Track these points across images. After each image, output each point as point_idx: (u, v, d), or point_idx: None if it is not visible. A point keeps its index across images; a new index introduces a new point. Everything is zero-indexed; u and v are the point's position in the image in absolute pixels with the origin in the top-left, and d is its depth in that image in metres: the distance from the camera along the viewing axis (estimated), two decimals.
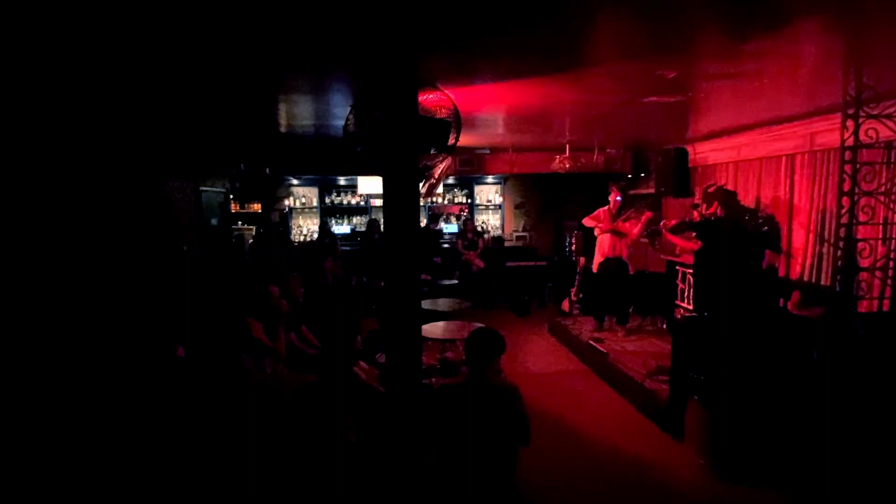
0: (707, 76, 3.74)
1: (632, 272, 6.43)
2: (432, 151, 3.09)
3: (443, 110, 3.33)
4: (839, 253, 4.19)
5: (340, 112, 5.16)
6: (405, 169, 2.94)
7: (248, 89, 4.22)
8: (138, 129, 5.49)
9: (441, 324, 4.85)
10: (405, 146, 2.86)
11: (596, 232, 6.56)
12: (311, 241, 9.66)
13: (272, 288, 3.96)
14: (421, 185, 6.57)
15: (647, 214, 6.34)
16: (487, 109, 4.91)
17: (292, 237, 9.90)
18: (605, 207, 6.48)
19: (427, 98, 3.43)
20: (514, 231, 10.43)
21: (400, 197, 2.87)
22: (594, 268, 6.57)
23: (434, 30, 2.82)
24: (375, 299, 5.81)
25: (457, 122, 3.20)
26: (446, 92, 3.51)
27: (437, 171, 6.31)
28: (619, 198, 6.37)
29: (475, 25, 2.72)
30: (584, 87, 4.06)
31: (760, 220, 5.69)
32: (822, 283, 5.28)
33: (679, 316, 6.23)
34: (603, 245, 6.47)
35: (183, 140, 6.73)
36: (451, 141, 3.02)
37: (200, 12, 2.39)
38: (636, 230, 6.31)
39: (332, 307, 4.17)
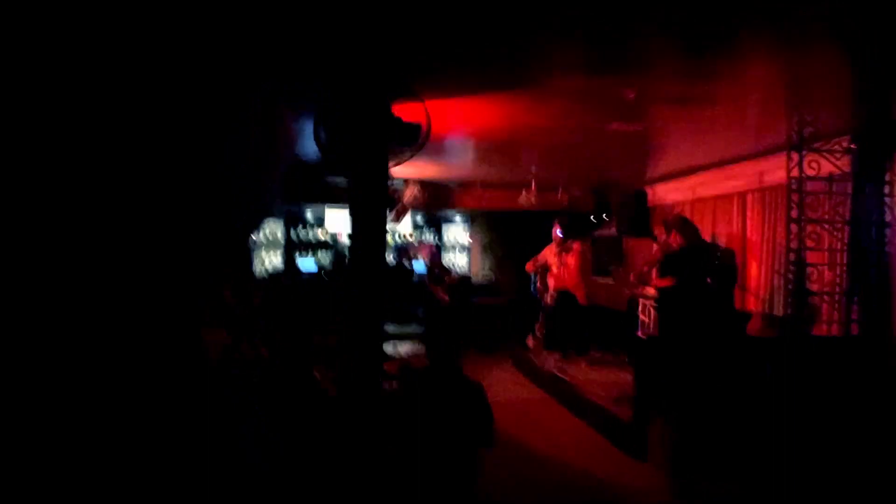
0: (664, 98, 3.98)
1: (583, 303, 6.62)
2: (400, 148, 3.14)
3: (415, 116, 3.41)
4: (790, 277, 4.37)
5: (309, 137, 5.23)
6: (374, 169, 2.98)
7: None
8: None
9: (404, 343, 4.76)
10: (376, 146, 2.91)
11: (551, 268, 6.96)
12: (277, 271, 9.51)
13: (225, 292, 3.84)
14: (389, 211, 6.61)
15: (577, 246, 6.86)
16: (455, 131, 5.05)
17: (256, 271, 9.69)
18: (551, 244, 6.94)
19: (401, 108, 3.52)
20: (481, 270, 10.48)
21: (367, 197, 2.89)
22: (548, 300, 6.86)
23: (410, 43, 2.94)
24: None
25: (427, 126, 3.28)
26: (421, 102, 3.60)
27: (406, 197, 6.39)
28: (559, 231, 6.86)
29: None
30: (548, 109, 4.25)
31: (719, 254, 5.87)
32: (776, 312, 5.45)
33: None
34: (549, 279, 6.92)
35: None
36: (420, 139, 3.08)
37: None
38: (572, 261, 6.73)
39: (291, 313, 4.07)
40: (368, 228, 2.61)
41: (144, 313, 2.26)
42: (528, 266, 7.10)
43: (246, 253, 9.54)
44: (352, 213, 2.63)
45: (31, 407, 2.00)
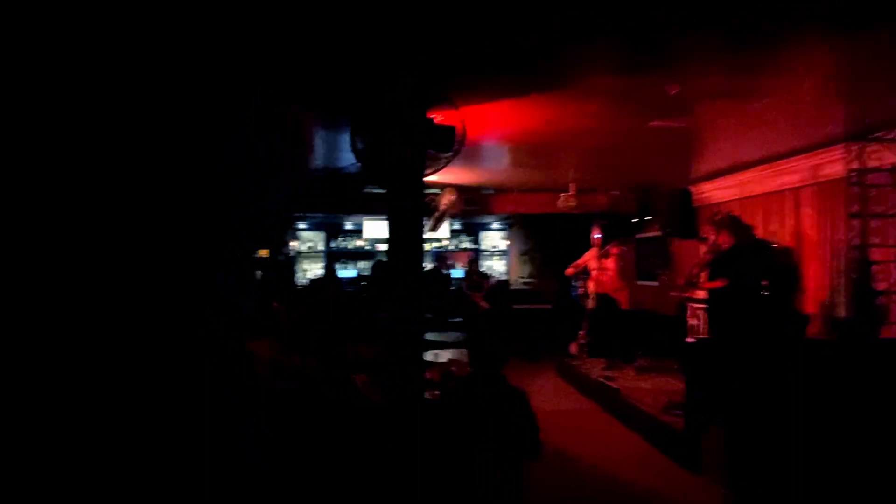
0: (709, 93, 3.81)
1: (626, 307, 6.44)
2: (434, 153, 3.11)
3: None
4: (853, 276, 4.10)
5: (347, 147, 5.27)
6: (411, 177, 2.95)
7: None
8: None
9: (445, 351, 4.72)
10: (412, 154, 2.88)
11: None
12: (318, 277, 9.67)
13: (274, 304, 3.89)
14: (427, 218, 6.61)
15: (615, 250, 6.64)
16: (492, 136, 4.99)
17: (297, 280, 9.87)
18: (592, 249, 6.78)
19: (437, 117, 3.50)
20: (520, 277, 10.36)
21: (404, 205, 2.87)
22: (590, 305, 6.76)
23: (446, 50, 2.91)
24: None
25: (462, 131, 3.24)
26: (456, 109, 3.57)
27: (443, 205, 6.37)
28: (597, 235, 6.67)
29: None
30: (586, 109, 4.14)
31: (774, 252, 5.58)
32: (839, 315, 5.12)
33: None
34: (590, 284, 6.78)
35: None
36: (455, 145, 3.04)
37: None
38: (611, 265, 6.57)
39: (332, 323, 4.08)
40: (406, 236, 2.58)
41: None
42: (569, 270, 6.95)
43: (288, 263, 9.74)
44: (389, 221, 2.61)
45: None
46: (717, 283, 5.12)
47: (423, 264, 10.78)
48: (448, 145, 3.04)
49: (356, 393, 3.09)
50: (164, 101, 2.20)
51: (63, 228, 2.01)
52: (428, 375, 3.60)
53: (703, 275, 5.31)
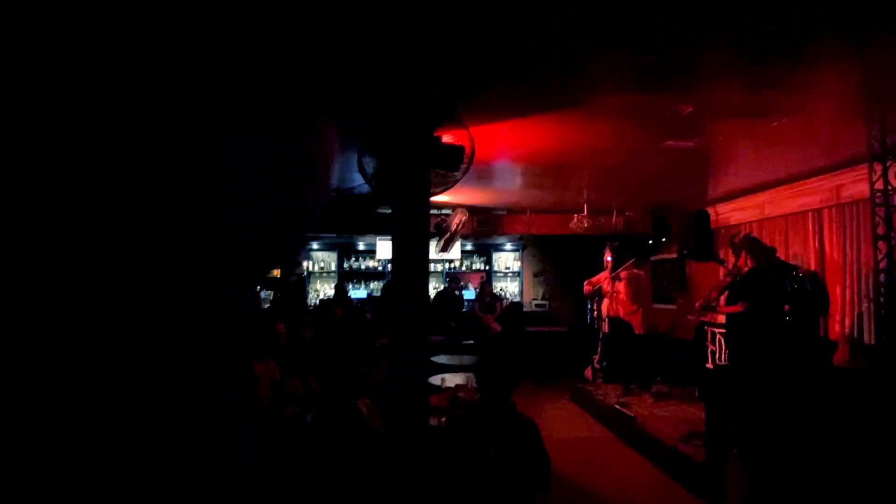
0: (723, 111, 3.71)
1: (640, 332, 6.29)
2: (443, 172, 3.05)
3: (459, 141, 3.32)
4: (881, 300, 3.91)
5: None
6: (416, 195, 2.89)
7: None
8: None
9: (455, 375, 4.58)
10: (417, 171, 2.82)
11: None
12: (328, 297, 9.62)
13: (279, 326, 3.82)
14: (438, 239, 6.54)
15: (625, 273, 6.51)
16: (502, 156, 4.94)
17: (309, 300, 9.83)
18: (606, 270, 6.68)
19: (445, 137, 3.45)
20: (534, 299, 10.20)
21: (409, 224, 2.80)
22: (605, 329, 6.64)
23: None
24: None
25: (471, 150, 3.18)
26: (465, 128, 3.53)
27: (454, 225, 6.30)
28: (609, 257, 6.60)
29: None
30: (599, 129, 4.07)
31: (801, 276, 5.38)
32: (865, 341, 4.90)
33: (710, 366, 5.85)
34: (602, 307, 6.69)
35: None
36: (464, 164, 2.98)
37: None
38: (622, 289, 6.46)
39: (339, 344, 4.00)
40: (411, 255, 2.51)
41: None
42: (586, 286, 6.82)
43: (300, 285, 9.72)
44: (394, 241, 2.55)
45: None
46: (737, 308, 4.93)
47: (432, 285, 10.62)
48: (456, 164, 2.98)
49: (358, 418, 2.99)
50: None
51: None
52: (435, 401, 3.48)
53: (722, 298, 5.13)
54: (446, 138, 3.40)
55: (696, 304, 5.81)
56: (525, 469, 2.44)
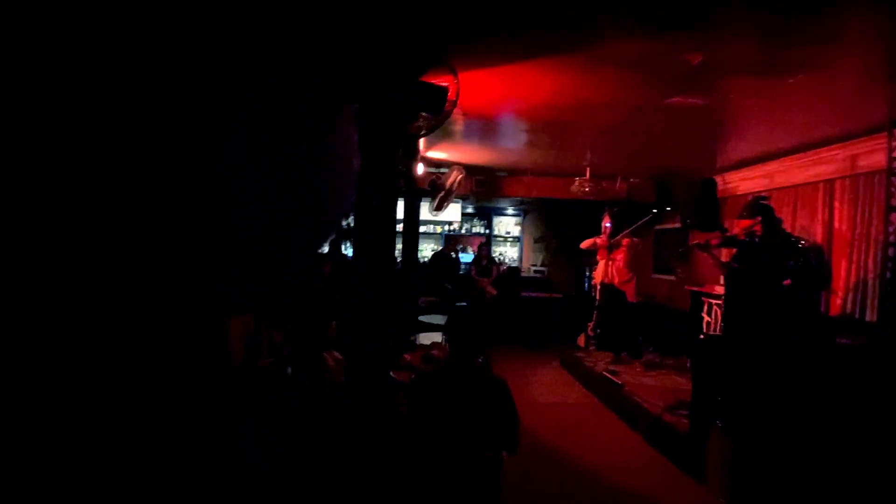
0: (737, 66, 3.43)
1: (632, 300, 6.14)
2: (424, 115, 2.83)
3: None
4: (888, 275, 3.71)
5: None
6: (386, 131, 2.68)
7: None
8: None
9: (433, 334, 4.46)
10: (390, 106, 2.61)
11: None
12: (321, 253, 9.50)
13: None
14: (432, 199, 6.33)
15: (626, 241, 6.29)
16: (499, 110, 4.68)
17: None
18: (603, 235, 6.46)
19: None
20: (533, 265, 10.05)
21: (376, 164, 2.60)
22: (597, 296, 6.49)
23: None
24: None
25: (456, 92, 2.95)
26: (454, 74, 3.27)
27: (448, 183, 6.08)
28: (608, 223, 6.37)
29: None
30: (599, 80, 3.80)
31: (805, 248, 5.13)
32: (867, 318, 4.71)
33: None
34: (597, 272, 6.52)
35: None
36: (447, 107, 2.76)
37: None
38: (620, 257, 6.24)
39: (320, 299, 3.87)
40: (374, 207, 2.32)
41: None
42: (585, 242, 6.59)
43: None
44: (357, 190, 2.35)
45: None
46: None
47: (430, 247, 10.50)
48: (439, 107, 2.76)
49: (325, 371, 2.87)
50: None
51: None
52: (408, 358, 3.37)
53: (725, 251, 4.99)
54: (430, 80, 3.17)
55: (691, 240, 5.72)
56: (492, 428, 2.32)
